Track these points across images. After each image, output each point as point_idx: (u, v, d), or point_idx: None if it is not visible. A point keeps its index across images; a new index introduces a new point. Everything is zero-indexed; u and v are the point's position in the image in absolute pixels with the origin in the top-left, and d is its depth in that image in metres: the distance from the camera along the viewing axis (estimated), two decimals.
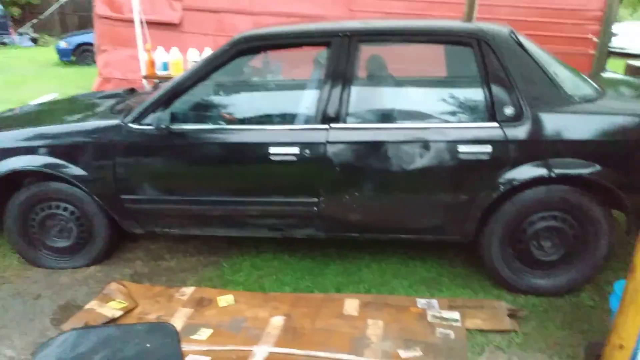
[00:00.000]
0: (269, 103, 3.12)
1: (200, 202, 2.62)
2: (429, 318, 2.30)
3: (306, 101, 2.64)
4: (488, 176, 2.35)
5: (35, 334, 2.28)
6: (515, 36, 2.45)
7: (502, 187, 2.34)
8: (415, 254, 2.88)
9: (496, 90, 2.35)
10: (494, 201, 2.38)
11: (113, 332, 2.23)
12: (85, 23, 14.76)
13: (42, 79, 9.41)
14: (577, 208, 2.36)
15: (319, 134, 2.44)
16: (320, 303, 2.44)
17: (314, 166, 2.45)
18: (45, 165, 2.62)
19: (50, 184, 2.69)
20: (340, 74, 2.46)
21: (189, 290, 2.57)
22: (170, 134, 2.52)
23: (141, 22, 5.13)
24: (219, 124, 2.62)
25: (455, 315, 2.31)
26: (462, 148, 2.35)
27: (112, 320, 2.33)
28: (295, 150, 2.43)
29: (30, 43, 15.41)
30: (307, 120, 2.53)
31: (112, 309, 2.40)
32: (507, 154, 2.32)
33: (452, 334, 2.18)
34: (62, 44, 11.88)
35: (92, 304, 2.45)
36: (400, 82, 2.99)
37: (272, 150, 2.45)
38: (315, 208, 2.52)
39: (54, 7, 15.22)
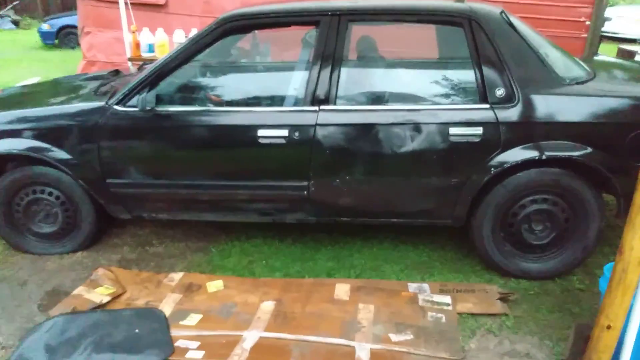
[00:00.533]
0: (257, 84, 3.07)
1: (188, 187, 2.57)
2: (420, 302, 2.30)
3: (295, 82, 2.59)
4: (479, 159, 2.34)
5: (22, 320, 2.25)
6: (507, 17, 2.41)
7: (493, 170, 2.33)
8: (407, 239, 2.87)
9: (487, 71, 2.32)
10: (485, 184, 2.37)
11: (101, 317, 2.20)
12: (68, 5, 14.39)
13: (24, 63, 9.19)
14: (568, 191, 2.35)
15: (309, 116, 2.40)
16: (311, 288, 2.42)
17: (303, 149, 2.41)
18: (29, 149, 2.55)
19: (34, 168, 2.63)
20: (329, 55, 2.42)
21: (177, 276, 2.54)
22: (155, 116, 2.46)
23: (125, 3, 4.99)
24: (206, 105, 2.57)
25: (447, 299, 2.31)
26: (453, 130, 2.32)
27: (100, 306, 2.30)
28: (284, 132, 2.39)
29: (12, 26, 15.01)
30: (296, 102, 2.49)
31: (100, 295, 2.36)
32: (498, 136, 2.30)
33: (443, 318, 2.18)
34: (45, 27, 11.58)
35: (80, 290, 2.42)
36: (391, 64, 2.96)
37: (261, 132, 2.40)
38: (305, 192, 2.49)
39: None
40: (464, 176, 2.38)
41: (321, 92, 2.40)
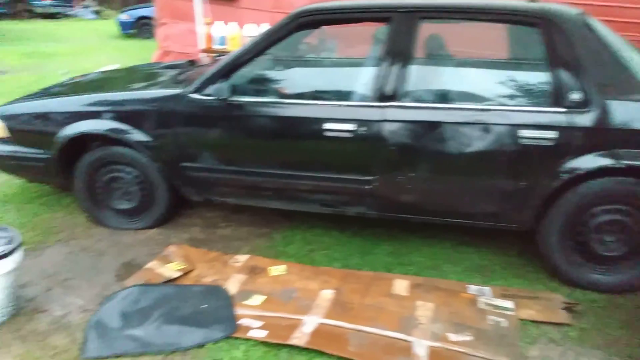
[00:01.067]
0: (324, 79, 3.13)
1: (255, 174, 2.68)
2: (480, 305, 2.27)
3: (363, 78, 2.62)
4: (550, 163, 2.27)
5: (100, 287, 2.43)
6: (586, 18, 2.32)
7: (564, 176, 2.26)
8: (469, 240, 2.83)
9: (563, 74, 2.25)
10: (555, 190, 2.30)
11: (172, 291, 2.34)
12: None
13: (104, 50, 9.79)
14: None
15: (376, 111, 2.42)
16: (370, 281, 2.46)
17: (368, 144, 2.44)
18: (111, 130, 2.75)
19: (114, 148, 2.83)
20: (399, 51, 2.43)
21: (242, 258, 2.66)
22: (228, 106, 2.57)
23: None
24: (276, 97, 2.65)
25: (508, 304, 2.26)
26: (523, 133, 2.27)
27: (171, 281, 2.44)
28: (351, 126, 2.43)
29: (93, 15, 16.03)
30: (364, 98, 2.51)
31: (171, 270, 2.51)
32: (571, 141, 2.23)
33: (504, 322, 2.14)
34: (124, 17, 12.28)
35: (153, 264, 2.58)
36: (460, 62, 2.91)
37: (327, 126, 2.46)
38: (368, 186, 2.52)
39: None
40: (532, 180, 2.32)
41: (389, 89, 2.42)
